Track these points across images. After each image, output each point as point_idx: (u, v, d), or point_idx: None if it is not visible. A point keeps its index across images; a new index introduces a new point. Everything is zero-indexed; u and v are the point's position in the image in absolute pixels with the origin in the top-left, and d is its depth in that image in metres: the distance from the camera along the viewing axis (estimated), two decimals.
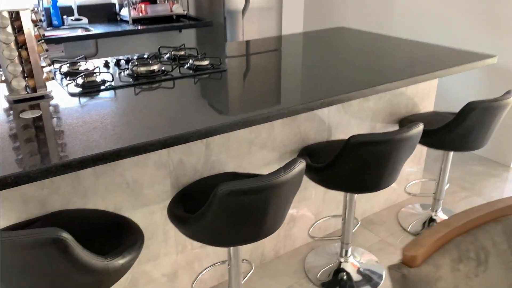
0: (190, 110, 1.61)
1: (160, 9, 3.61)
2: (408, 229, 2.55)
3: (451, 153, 2.42)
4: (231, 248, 1.74)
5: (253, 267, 2.08)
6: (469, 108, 2.04)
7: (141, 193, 1.73)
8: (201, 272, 2.01)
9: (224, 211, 1.38)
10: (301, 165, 1.48)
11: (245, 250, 2.16)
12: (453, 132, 2.12)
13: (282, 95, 1.80)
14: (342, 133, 2.29)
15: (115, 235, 1.41)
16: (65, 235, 1.06)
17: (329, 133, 2.24)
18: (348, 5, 4.28)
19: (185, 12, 3.71)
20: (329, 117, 2.20)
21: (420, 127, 1.76)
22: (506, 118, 3.24)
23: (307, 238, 2.40)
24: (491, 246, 0.83)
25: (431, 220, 2.59)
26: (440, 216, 2.60)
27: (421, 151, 2.80)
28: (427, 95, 2.59)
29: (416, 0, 3.65)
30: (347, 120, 2.28)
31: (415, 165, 2.81)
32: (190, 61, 2.16)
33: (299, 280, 2.15)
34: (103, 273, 1.19)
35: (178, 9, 3.67)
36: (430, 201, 2.78)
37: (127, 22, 3.57)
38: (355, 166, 1.74)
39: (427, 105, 2.63)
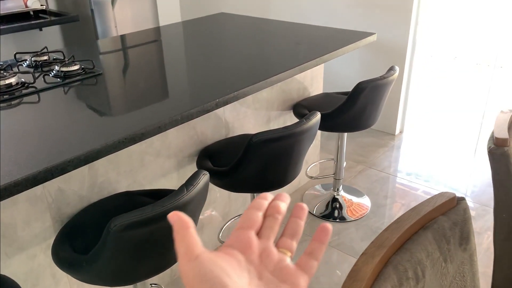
0: (63, 129, 1.34)
1: (11, 6, 3.09)
2: (314, 212, 2.56)
3: (345, 135, 2.46)
4: None
5: None
6: (360, 89, 2.06)
7: (14, 237, 1.43)
8: None
9: (122, 248, 1.18)
10: (205, 177, 1.32)
11: None
12: (346, 114, 2.13)
13: (171, 97, 1.61)
14: (240, 128, 2.17)
15: None
16: None
17: (227, 129, 2.11)
18: None
19: (44, 7, 3.24)
20: (225, 113, 2.07)
21: (318, 116, 1.71)
22: None
23: (217, 243, 2.27)
24: (426, 257, 0.77)
25: (334, 200, 2.63)
26: (342, 194, 2.65)
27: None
28: (315, 78, 2.59)
29: None
30: (244, 113, 2.17)
31: (312, 147, 2.82)
32: (56, 67, 1.84)
33: None
34: None
35: (34, 3, 3.19)
36: (331, 180, 2.83)
37: None
38: (260, 165, 1.63)
39: (316, 88, 2.63)
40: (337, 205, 2.60)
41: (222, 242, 2.23)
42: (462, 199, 0.86)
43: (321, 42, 2.25)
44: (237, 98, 1.64)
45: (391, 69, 2.20)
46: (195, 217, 1.37)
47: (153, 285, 1.87)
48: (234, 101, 1.64)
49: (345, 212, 2.55)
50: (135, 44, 2.42)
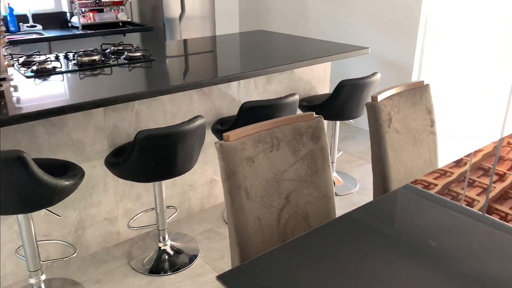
0: (121, 86, 2.16)
1: (106, 17, 4.13)
2: None
3: (338, 123, 3.07)
4: (157, 193, 2.29)
5: (177, 210, 2.62)
6: (341, 85, 2.69)
7: (84, 151, 2.25)
8: (135, 215, 2.54)
9: (143, 152, 1.93)
10: (201, 120, 2.05)
11: (175, 201, 2.70)
12: (331, 105, 2.76)
13: (197, 74, 2.37)
14: None
15: (63, 171, 1.92)
16: (26, 155, 1.58)
17: None
18: (275, 12, 4.96)
19: (129, 19, 4.24)
20: (239, 95, 2.80)
21: (295, 97, 2.38)
22: None
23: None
24: (282, 137, 1.42)
25: None
26: (335, 175, 3.24)
27: None
28: (322, 80, 3.24)
29: (325, 9, 4.35)
30: (254, 99, 2.88)
31: None
32: (126, 53, 2.70)
33: (218, 224, 2.71)
34: (53, 189, 1.71)
35: (122, 16, 4.20)
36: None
37: (77, 28, 4.06)
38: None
39: (323, 88, 3.28)
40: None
41: None
42: (319, 117, 1.50)
43: (324, 51, 2.92)
44: (239, 78, 2.37)
45: (373, 73, 2.81)
46: (193, 146, 2.09)
47: (170, 206, 2.61)
48: (235, 81, 2.37)
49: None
50: (186, 44, 3.26)
